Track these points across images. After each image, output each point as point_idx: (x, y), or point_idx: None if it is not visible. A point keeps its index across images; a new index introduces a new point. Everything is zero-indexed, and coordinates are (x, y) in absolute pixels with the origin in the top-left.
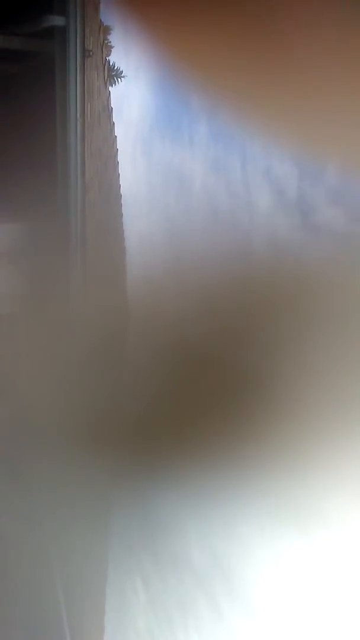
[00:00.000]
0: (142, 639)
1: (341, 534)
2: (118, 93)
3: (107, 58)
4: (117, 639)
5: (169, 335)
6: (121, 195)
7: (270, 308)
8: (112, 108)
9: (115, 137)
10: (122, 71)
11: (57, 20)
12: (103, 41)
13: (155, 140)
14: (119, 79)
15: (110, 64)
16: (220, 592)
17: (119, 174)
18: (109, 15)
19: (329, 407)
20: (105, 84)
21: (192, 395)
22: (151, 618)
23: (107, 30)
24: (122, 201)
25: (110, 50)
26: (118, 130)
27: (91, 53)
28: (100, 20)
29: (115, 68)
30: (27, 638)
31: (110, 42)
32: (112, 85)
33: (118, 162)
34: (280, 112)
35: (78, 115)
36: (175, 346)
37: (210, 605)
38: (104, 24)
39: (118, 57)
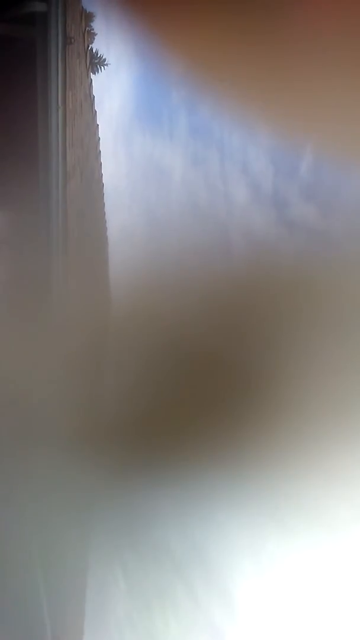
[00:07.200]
0: (122, 625)
1: (317, 524)
2: (100, 81)
3: (90, 45)
4: (97, 625)
5: (149, 324)
6: (103, 185)
7: (251, 299)
8: (94, 96)
9: (97, 125)
10: (105, 59)
11: (38, 6)
12: (85, 28)
13: (136, 131)
14: (101, 67)
15: (93, 51)
16: (198, 580)
17: (101, 163)
18: (91, 2)
19: (309, 400)
20: (87, 72)
21: (173, 387)
22: (130, 605)
23: (89, 17)
24: (104, 190)
25: (93, 38)
26: (99, 120)
27: (73, 40)
28: (82, 7)
29: (98, 56)
30: (7, 624)
31: (92, 29)
32: (94, 74)
33: (100, 152)
34: (272, 103)
35: (59, 103)
36: (155, 336)
37: (188, 593)
38: (86, 11)
39: (100, 44)
